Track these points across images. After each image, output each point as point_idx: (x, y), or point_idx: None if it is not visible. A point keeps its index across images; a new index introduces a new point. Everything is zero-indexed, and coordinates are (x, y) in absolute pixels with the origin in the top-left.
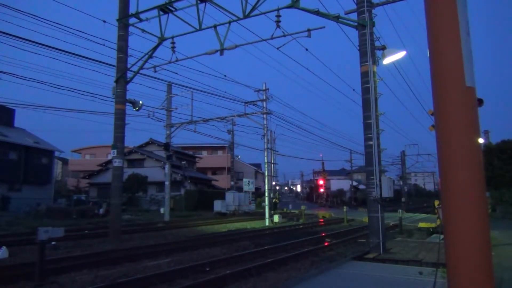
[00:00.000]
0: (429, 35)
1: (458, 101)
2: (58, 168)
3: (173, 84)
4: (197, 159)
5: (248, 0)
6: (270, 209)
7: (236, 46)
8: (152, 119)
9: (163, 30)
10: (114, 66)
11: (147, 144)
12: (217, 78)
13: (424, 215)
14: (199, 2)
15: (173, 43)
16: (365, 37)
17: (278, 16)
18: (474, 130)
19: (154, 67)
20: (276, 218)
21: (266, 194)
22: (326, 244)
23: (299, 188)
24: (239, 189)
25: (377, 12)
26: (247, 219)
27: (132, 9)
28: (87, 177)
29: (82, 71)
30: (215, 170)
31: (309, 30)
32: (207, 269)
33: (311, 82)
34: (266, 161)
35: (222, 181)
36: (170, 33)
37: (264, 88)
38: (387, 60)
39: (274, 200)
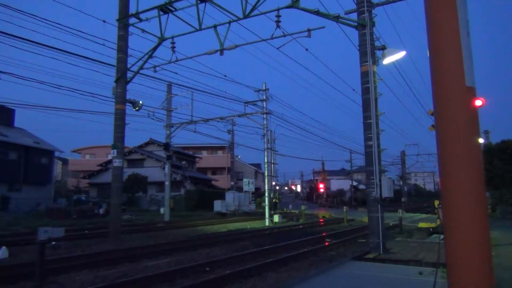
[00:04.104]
0: (429, 35)
1: (458, 101)
2: (58, 168)
3: (173, 84)
4: (197, 159)
5: (248, 0)
6: (270, 209)
7: (236, 46)
8: (152, 119)
9: (163, 30)
10: (114, 66)
11: (147, 144)
12: (217, 78)
13: (424, 215)
14: (199, 2)
15: (173, 43)
16: (365, 37)
17: (278, 16)
18: (474, 130)
19: (154, 67)
20: (276, 218)
21: (266, 194)
22: (326, 244)
23: (299, 188)
24: (239, 189)
25: (377, 12)
26: (247, 219)
27: (132, 9)
28: (87, 177)
29: (82, 71)
30: (215, 170)
31: (309, 30)
32: (207, 269)
33: (311, 82)
34: (266, 161)
35: (222, 181)
36: (170, 33)
37: (264, 88)
38: (387, 60)
39: (274, 200)
